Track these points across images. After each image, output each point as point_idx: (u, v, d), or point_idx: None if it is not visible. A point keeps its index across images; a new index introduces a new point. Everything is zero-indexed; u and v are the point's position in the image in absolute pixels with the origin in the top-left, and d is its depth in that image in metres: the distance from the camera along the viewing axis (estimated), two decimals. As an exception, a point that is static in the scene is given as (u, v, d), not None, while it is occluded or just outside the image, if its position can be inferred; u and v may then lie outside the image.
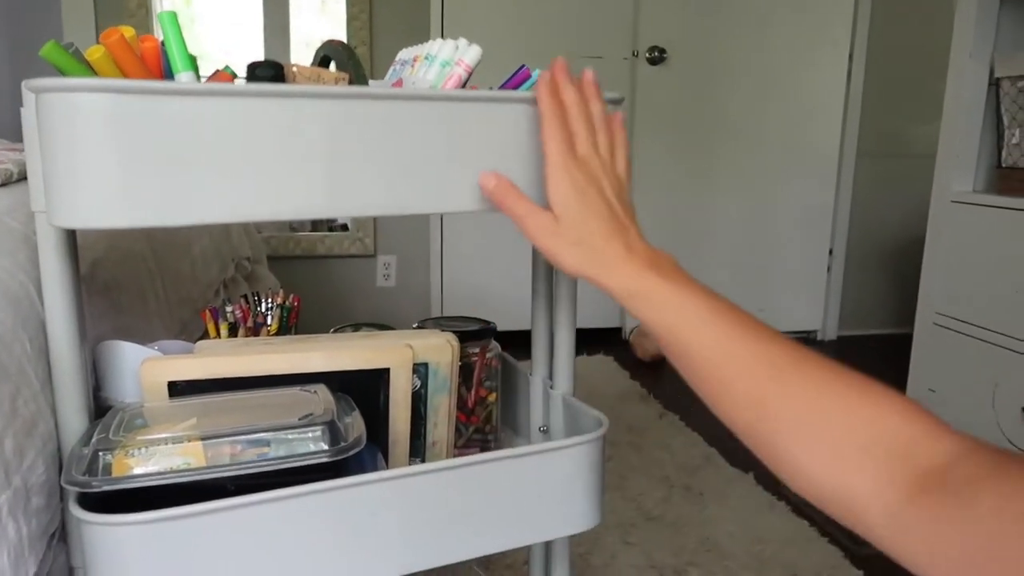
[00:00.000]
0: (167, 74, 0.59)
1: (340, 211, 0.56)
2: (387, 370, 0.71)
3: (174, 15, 0.57)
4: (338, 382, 0.70)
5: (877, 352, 2.85)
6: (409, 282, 2.76)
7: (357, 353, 0.69)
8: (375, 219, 2.63)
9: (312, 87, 0.53)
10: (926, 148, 2.82)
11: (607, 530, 1.54)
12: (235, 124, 0.52)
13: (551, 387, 0.81)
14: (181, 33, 0.58)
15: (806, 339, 2.96)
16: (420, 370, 0.73)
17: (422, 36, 2.55)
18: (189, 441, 0.58)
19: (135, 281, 0.89)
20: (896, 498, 0.39)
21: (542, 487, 0.67)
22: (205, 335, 0.81)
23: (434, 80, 0.66)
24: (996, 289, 1.57)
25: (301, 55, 2.65)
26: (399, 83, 0.70)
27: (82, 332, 0.62)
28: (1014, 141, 1.60)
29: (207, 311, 0.77)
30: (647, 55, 2.55)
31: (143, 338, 0.82)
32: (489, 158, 0.60)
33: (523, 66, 0.76)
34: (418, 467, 0.61)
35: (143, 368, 0.65)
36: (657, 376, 2.45)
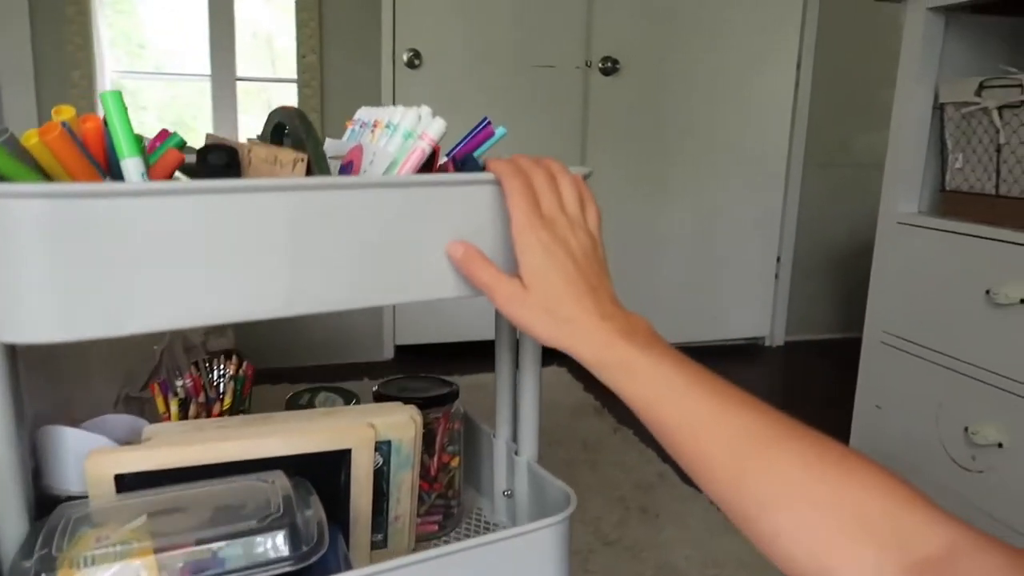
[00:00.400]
0: (111, 156, 0.55)
1: (305, 308, 0.53)
2: (349, 450, 0.68)
3: (118, 95, 0.54)
4: (297, 464, 0.67)
5: (823, 357, 2.92)
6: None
7: (317, 435, 0.67)
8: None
9: (271, 181, 0.50)
10: (871, 157, 2.90)
11: (565, 557, 1.53)
12: (187, 224, 0.49)
13: (516, 452, 0.80)
14: (126, 113, 0.54)
15: (754, 345, 3.01)
16: (382, 448, 0.71)
17: (372, 41, 2.49)
18: (141, 554, 0.54)
19: (74, 347, 0.84)
20: None
21: (513, 572, 0.65)
22: (153, 403, 0.77)
23: (396, 153, 0.63)
24: (940, 310, 1.61)
25: (247, 45, 2.57)
26: (358, 148, 0.67)
27: (20, 432, 0.58)
28: (957, 166, 1.64)
29: (156, 385, 0.73)
30: (600, 65, 2.54)
31: (86, 409, 0.78)
32: (470, 240, 0.58)
33: (485, 120, 0.74)
34: (379, 567, 0.59)
35: (88, 462, 0.62)
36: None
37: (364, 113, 0.70)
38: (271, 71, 2.74)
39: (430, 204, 0.56)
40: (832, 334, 3.07)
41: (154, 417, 0.80)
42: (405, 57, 2.49)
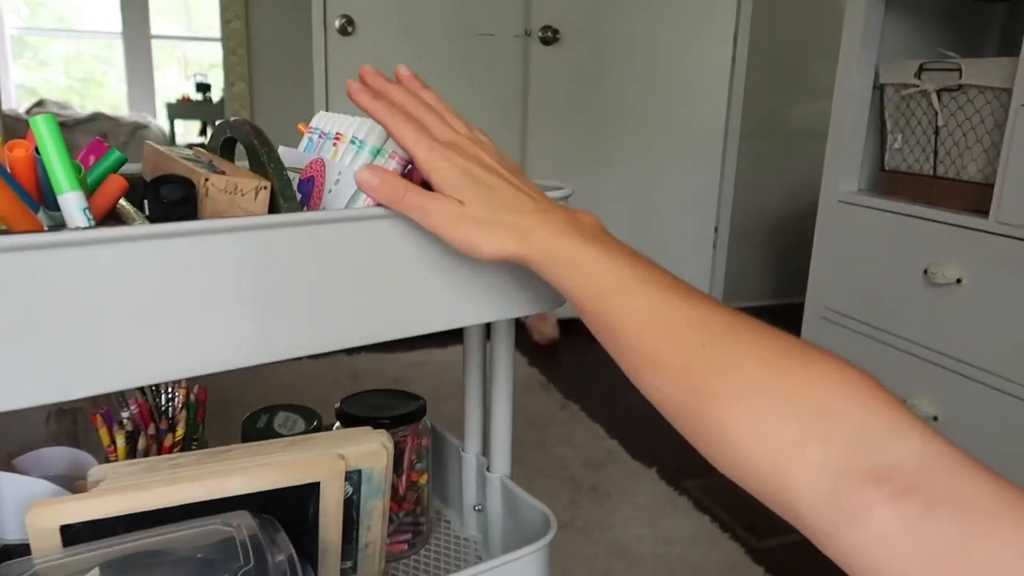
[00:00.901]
0: (45, 188, 0.49)
1: (276, 355, 0.49)
2: (318, 484, 0.64)
3: (52, 120, 0.47)
4: (262, 499, 0.63)
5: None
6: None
7: (283, 470, 0.63)
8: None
9: (236, 221, 0.45)
10: (804, 126, 2.95)
11: (519, 542, 1.53)
12: (141, 273, 0.43)
13: (488, 468, 0.77)
14: (62, 140, 0.48)
15: (692, 313, 3.06)
16: (352, 477, 0.67)
17: (302, 6, 2.37)
18: (98, 620, 0.50)
19: None
20: (843, 487, 0.35)
21: (492, 602, 0.64)
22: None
23: None
24: (879, 287, 1.65)
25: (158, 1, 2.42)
26: (319, 162, 0.62)
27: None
28: (896, 146, 1.67)
29: (98, 415, 0.67)
30: (540, 34, 2.49)
31: (16, 438, 0.72)
32: (440, 275, 0.54)
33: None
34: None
35: (31, 515, 0.56)
36: (556, 362, 2.46)
37: (323, 121, 0.65)
38: (187, 29, 2.59)
39: (411, 235, 0.52)
40: (769, 300, 3.14)
41: (91, 435, 0.74)
42: (337, 24, 2.38)
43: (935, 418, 1.52)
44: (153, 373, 0.45)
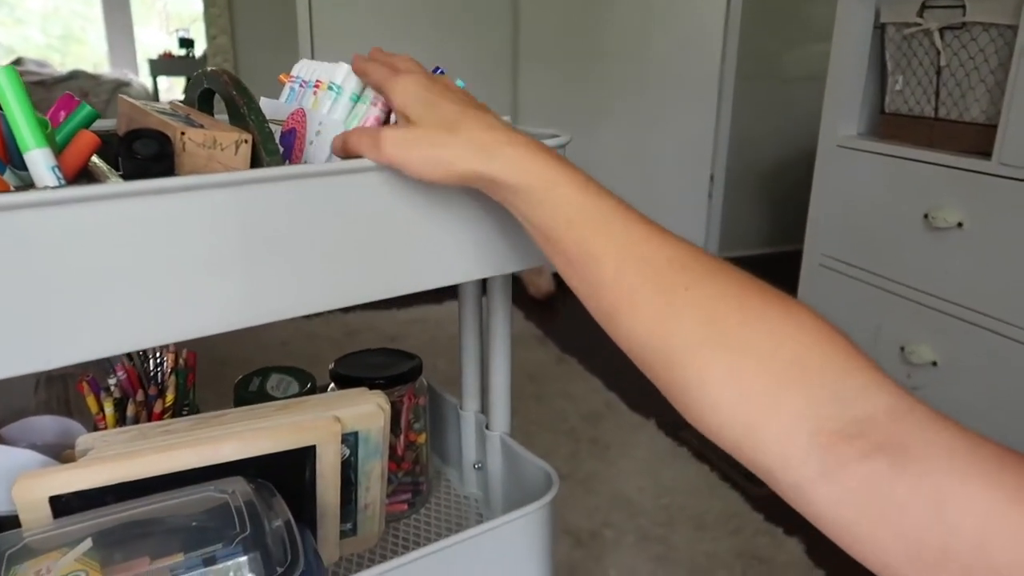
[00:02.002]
0: (11, 146, 0.46)
1: (263, 318, 0.47)
2: (314, 447, 0.63)
3: (12, 72, 0.44)
4: (258, 464, 0.62)
5: (757, 272, 2.96)
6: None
7: (277, 434, 0.61)
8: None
9: (216, 177, 0.43)
10: (801, 71, 2.89)
11: (520, 495, 1.54)
12: (115, 234, 0.41)
13: (487, 426, 0.76)
14: (24, 93, 0.45)
15: (689, 263, 3.04)
16: (349, 439, 0.66)
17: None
18: (91, 591, 0.48)
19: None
20: (815, 444, 0.34)
21: (495, 563, 0.63)
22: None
23: (343, 117, 0.56)
24: (879, 233, 1.63)
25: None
26: (300, 112, 0.59)
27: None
28: (897, 88, 1.63)
29: (85, 383, 0.65)
30: (529, -20, 2.42)
31: (4, 406, 0.70)
32: (433, 230, 0.52)
33: (438, 69, 0.67)
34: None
35: (18, 487, 0.54)
36: (552, 316, 2.44)
37: (303, 69, 0.62)
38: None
39: (400, 188, 0.50)
40: (766, 248, 3.12)
41: (81, 405, 0.73)
42: (321, -28, 2.30)
43: (934, 363, 1.51)
44: (132, 340, 0.43)
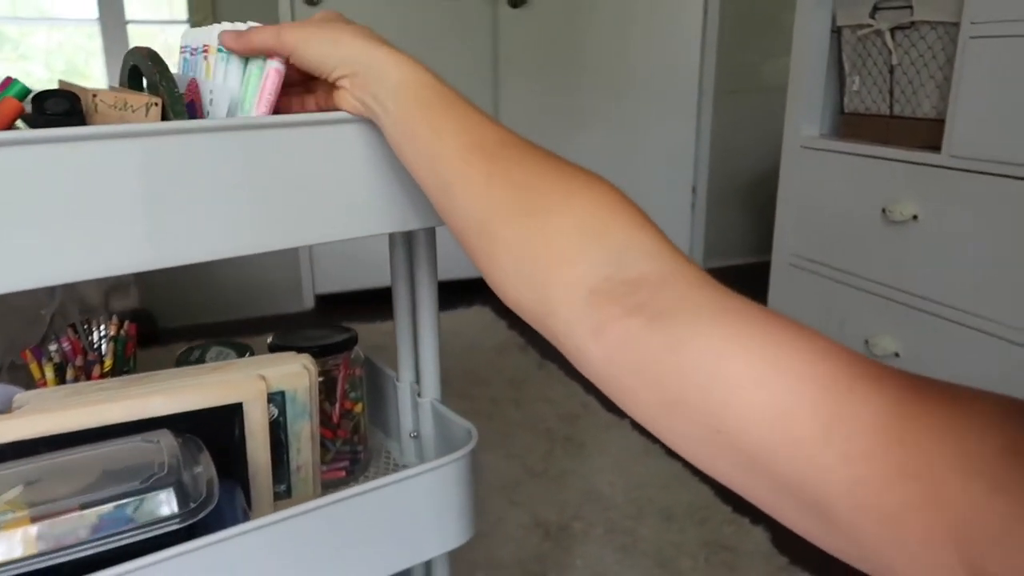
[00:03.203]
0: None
1: (170, 261, 0.51)
2: (240, 404, 0.66)
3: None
4: (187, 421, 0.65)
5: (739, 282, 2.98)
6: (275, 244, 2.64)
7: (203, 391, 0.65)
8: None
9: (116, 128, 0.47)
10: (780, 80, 2.93)
11: (493, 491, 1.57)
12: (23, 179, 0.45)
13: (419, 394, 0.79)
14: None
15: (674, 273, 3.07)
16: (276, 399, 0.69)
17: (266, -20, 2.37)
18: (16, 524, 0.52)
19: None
20: (591, 303, 0.37)
21: (415, 510, 0.66)
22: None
23: (239, 80, 0.58)
24: (841, 230, 1.66)
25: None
26: (193, 83, 0.63)
27: None
28: (854, 88, 1.68)
29: (28, 351, 0.69)
30: (507, -3, 2.49)
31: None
32: (328, 182, 0.56)
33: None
34: (277, 515, 0.58)
35: (-47, 436, 0.58)
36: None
37: (190, 37, 0.63)
38: (168, 13, 2.59)
39: (306, 143, 0.54)
40: (748, 259, 3.15)
41: (34, 387, 0.77)
42: (305, -6, 2.38)
43: (896, 354, 1.54)
44: (43, 275, 0.47)
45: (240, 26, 0.56)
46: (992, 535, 0.24)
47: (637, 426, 1.81)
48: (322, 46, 0.52)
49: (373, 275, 2.60)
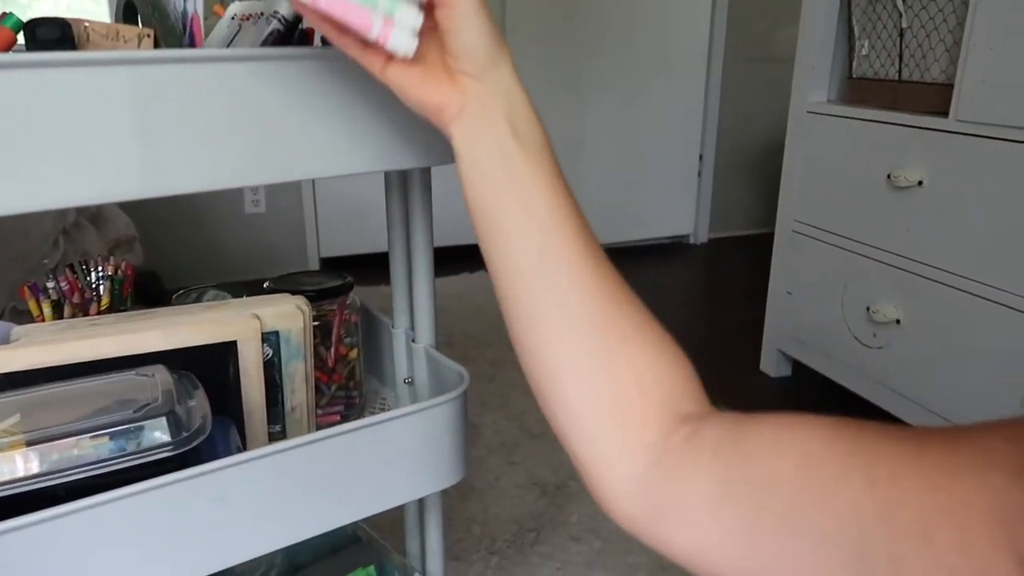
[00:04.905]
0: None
1: (161, 190, 0.51)
2: (234, 343, 0.67)
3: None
4: (182, 359, 0.66)
5: (745, 252, 2.99)
6: (281, 206, 2.65)
7: (198, 328, 0.65)
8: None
9: (106, 54, 0.47)
10: (789, 51, 2.90)
11: (491, 452, 1.58)
12: (15, 101, 0.45)
13: (413, 340, 0.80)
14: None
15: (679, 243, 3.07)
16: (271, 339, 0.70)
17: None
18: (13, 447, 0.53)
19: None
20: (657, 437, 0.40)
21: (405, 450, 0.67)
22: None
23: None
24: (846, 196, 1.65)
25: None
26: (196, 19, 0.63)
27: None
28: (863, 52, 1.66)
29: (26, 287, 0.70)
30: (515, -40, 2.46)
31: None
32: (321, 116, 0.56)
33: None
34: (264, 449, 0.59)
35: (-49, 365, 0.59)
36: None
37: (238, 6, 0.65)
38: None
39: (284, 80, 0.54)
40: (755, 229, 3.14)
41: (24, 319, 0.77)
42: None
43: (897, 321, 1.53)
44: (35, 200, 0.47)
45: None
46: None
47: (637, 390, 1.81)
48: (481, 36, 0.44)
49: (379, 239, 2.61)
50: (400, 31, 0.42)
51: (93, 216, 1.54)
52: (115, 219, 1.64)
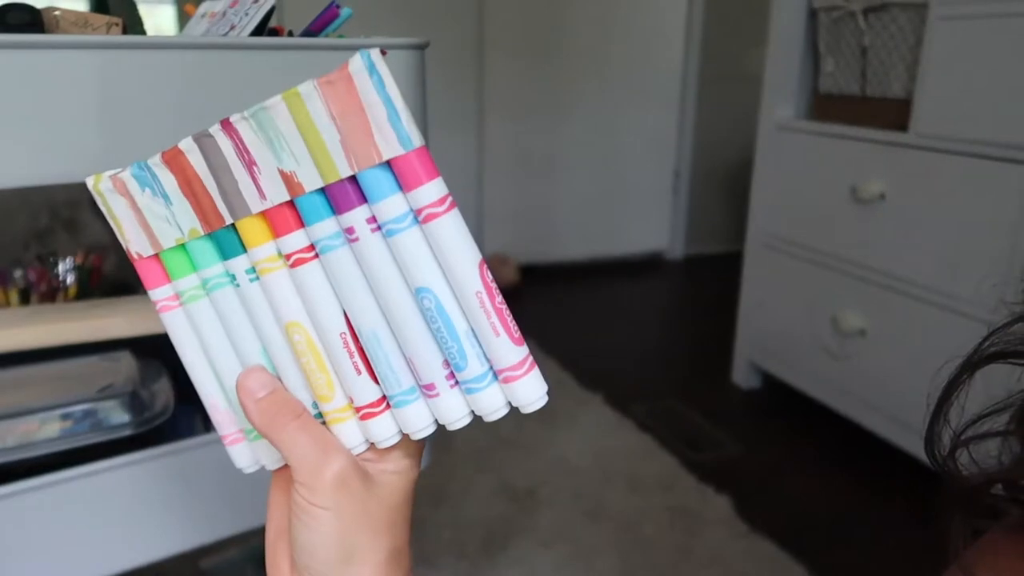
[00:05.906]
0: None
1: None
2: (199, 331, 0.68)
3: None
4: (153, 348, 0.67)
5: (720, 268, 3.03)
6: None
7: (164, 316, 0.66)
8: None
9: (73, 38, 0.49)
10: (763, 69, 2.97)
11: (464, 459, 1.59)
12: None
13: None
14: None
15: (655, 259, 3.10)
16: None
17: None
18: (-31, 425, 0.54)
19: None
20: None
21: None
22: None
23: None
24: (813, 210, 1.69)
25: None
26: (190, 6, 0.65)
27: None
28: (828, 69, 1.71)
29: (-6, 277, 0.71)
30: (494, -21, 2.50)
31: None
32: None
33: (332, 3, 0.73)
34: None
35: (-85, 347, 0.60)
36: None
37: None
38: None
39: (249, 69, 0.56)
40: (730, 246, 3.18)
41: None
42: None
43: (862, 332, 1.56)
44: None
45: None
46: None
47: (610, 401, 1.83)
48: (308, 459, 0.33)
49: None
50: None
51: (67, 222, 1.54)
52: (89, 225, 1.64)
